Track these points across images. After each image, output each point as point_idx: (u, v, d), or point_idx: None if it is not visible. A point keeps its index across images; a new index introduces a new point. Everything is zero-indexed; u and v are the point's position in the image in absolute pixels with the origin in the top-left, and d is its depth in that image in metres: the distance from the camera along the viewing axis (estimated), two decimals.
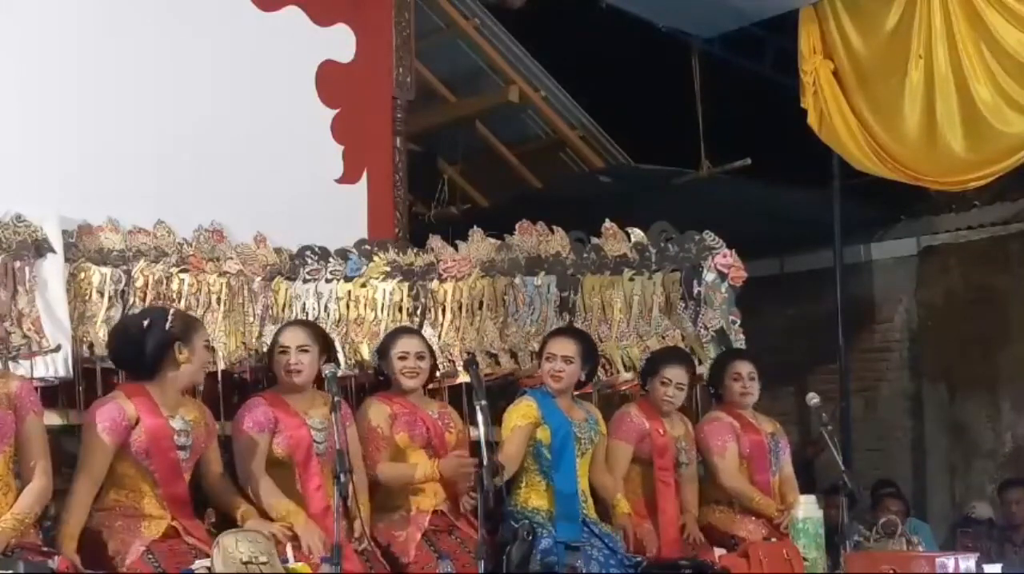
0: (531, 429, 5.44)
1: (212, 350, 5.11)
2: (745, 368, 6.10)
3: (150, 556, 4.48)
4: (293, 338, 5.09)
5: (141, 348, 4.67)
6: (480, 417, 4.74)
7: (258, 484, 4.88)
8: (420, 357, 5.36)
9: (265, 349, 5.32)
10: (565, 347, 5.59)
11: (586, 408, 5.71)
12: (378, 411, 5.26)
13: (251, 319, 5.47)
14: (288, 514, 4.80)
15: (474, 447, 5.19)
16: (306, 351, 5.06)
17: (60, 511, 4.52)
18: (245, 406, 5.04)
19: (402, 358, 5.33)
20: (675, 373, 5.86)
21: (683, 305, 6.39)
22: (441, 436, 5.32)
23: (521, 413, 5.48)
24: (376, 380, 5.52)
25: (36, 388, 4.61)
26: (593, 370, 5.74)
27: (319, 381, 5.13)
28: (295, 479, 4.96)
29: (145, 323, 4.71)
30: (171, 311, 4.80)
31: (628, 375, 6.13)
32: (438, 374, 5.62)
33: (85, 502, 4.52)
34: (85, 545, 4.50)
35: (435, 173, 9.42)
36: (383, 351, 5.41)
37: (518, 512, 5.31)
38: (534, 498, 5.44)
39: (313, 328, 5.25)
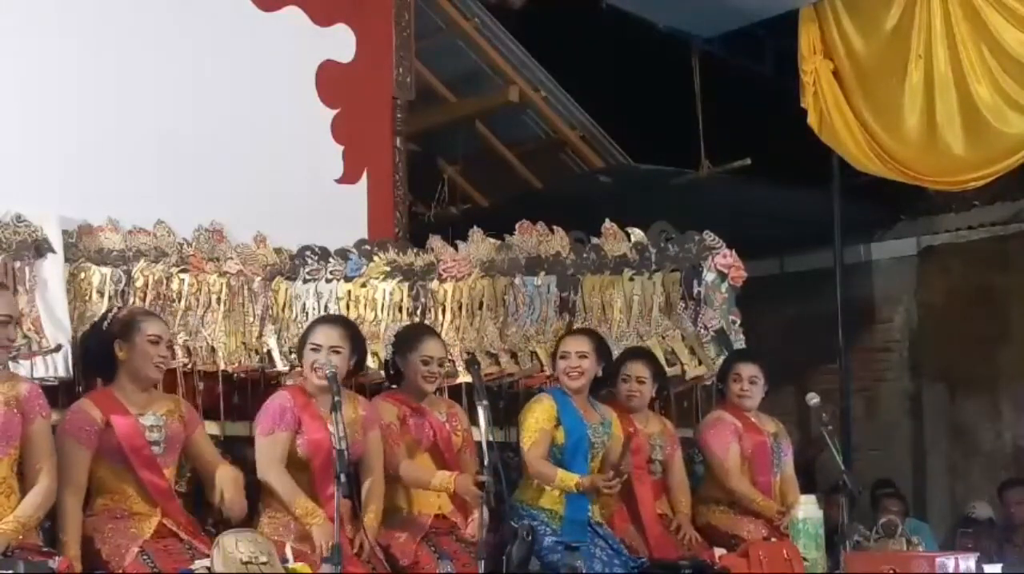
0: (552, 431, 5.44)
1: (157, 343, 4.70)
2: (747, 371, 6.08)
3: (145, 557, 4.46)
4: (326, 338, 4.98)
5: (87, 351, 4.76)
6: (481, 418, 4.75)
7: (275, 476, 4.81)
8: (441, 363, 5.31)
9: (266, 349, 5.32)
10: (579, 344, 5.59)
11: (601, 411, 5.67)
12: (388, 411, 5.23)
13: (251, 319, 5.47)
14: (307, 513, 4.76)
15: (479, 448, 5.19)
16: (338, 352, 4.97)
17: (56, 525, 4.49)
18: (272, 399, 4.96)
19: (426, 362, 5.26)
20: (633, 368, 5.85)
21: (683, 305, 6.38)
22: (447, 439, 5.29)
23: (545, 414, 5.45)
24: (386, 374, 5.48)
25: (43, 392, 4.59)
26: (609, 367, 5.72)
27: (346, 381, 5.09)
28: (310, 483, 4.89)
29: (91, 326, 4.80)
30: (114, 310, 4.78)
31: None
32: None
33: (76, 513, 4.50)
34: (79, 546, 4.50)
35: (435, 173, 9.41)
36: (402, 348, 5.32)
37: (524, 510, 5.31)
38: (542, 497, 5.42)
39: (347, 327, 5.13)
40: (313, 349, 4.97)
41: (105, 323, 4.73)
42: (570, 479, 5.30)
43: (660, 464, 5.92)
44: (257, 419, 4.93)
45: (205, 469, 4.80)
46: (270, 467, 4.82)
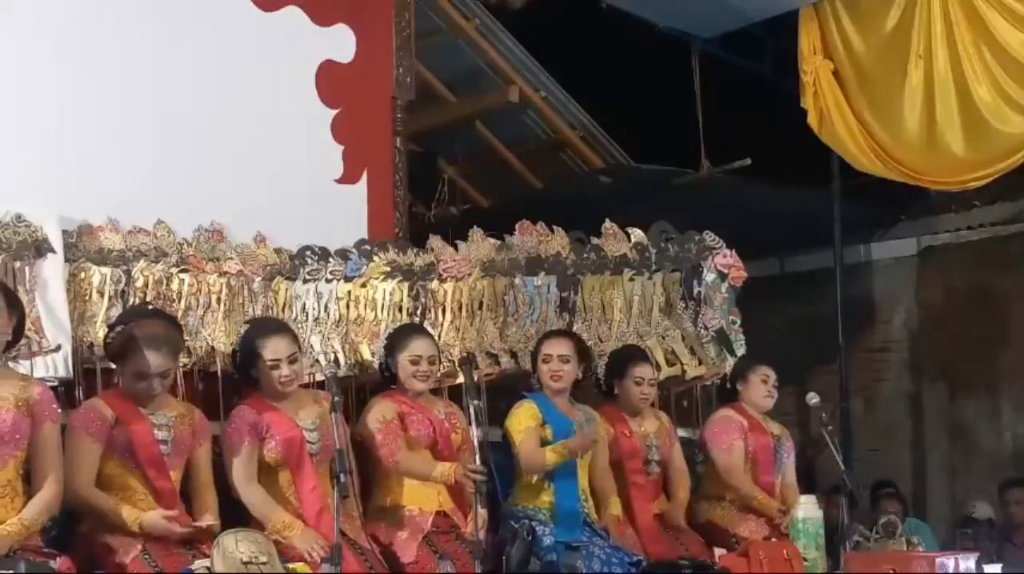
0: (539, 430, 5.47)
1: (145, 377, 4.64)
2: (772, 374, 6.18)
3: (147, 556, 4.46)
4: (284, 349, 4.96)
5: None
6: (473, 416, 4.79)
7: (251, 494, 4.84)
8: (432, 361, 5.33)
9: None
10: (561, 347, 5.64)
11: (584, 410, 5.72)
12: (388, 408, 5.25)
13: None
14: (284, 527, 4.76)
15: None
16: (295, 361, 4.98)
17: (77, 510, 4.55)
18: (232, 416, 4.98)
19: (414, 362, 5.29)
20: (646, 371, 5.90)
21: (683, 305, 6.40)
22: (447, 437, 5.31)
23: (527, 414, 5.51)
24: (381, 376, 5.48)
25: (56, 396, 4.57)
26: (588, 367, 5.81)
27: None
28: (289, 482, 4.92)
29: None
30: (115, 330, 4.74)
31: None
32: (438, 374, 5.62)
33: (91, 491, 4.52)
34: (80, 547, 4.51)
35: (435, 173, 9.41)
36: (392, 349, 5.35)
37: (519, 511, 5.32)
38: (535, 497, 5.45)
39: (293, 331, 5.16)
40: (273, 366, 4.94)
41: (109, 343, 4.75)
42: (559, 448, 5.35)
43: (657, 464, 5.93)
44: (223, 435, 4.94)
45: (193, 487, 4.78)
46: (243, 485, 4.84)
